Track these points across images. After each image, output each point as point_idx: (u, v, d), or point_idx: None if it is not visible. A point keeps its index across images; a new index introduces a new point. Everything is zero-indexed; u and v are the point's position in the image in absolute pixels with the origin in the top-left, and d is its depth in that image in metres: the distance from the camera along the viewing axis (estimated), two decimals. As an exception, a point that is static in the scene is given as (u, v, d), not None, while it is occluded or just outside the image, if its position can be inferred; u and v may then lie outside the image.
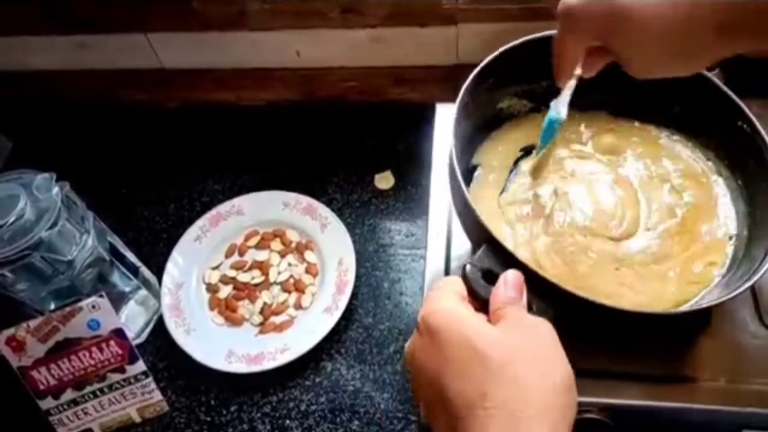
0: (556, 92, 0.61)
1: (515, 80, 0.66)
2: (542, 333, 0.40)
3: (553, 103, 0.59)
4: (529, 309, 0.45)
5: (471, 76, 0.60)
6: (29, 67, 0.93)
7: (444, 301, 0.42)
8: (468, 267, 0.47)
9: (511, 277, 0.44)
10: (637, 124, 0.67)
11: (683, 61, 0.47)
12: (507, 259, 0.48)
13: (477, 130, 0.66)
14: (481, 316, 0.42)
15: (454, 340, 0.39)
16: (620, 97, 0.67)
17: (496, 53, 0.61)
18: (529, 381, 0.37)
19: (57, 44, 0.88)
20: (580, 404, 0.55)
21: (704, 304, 0.54)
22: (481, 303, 0.45)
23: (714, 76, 0.59)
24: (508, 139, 0.67)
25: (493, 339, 0.39)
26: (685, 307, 0.56)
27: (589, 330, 0.57)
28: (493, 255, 0.49)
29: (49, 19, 0.85)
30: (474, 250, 0.52)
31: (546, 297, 0.47)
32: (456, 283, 0.45)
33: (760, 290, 0.60)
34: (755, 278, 0.50)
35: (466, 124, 0.63)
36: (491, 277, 0.47)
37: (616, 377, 0.56)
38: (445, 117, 0.73)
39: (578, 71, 0.55)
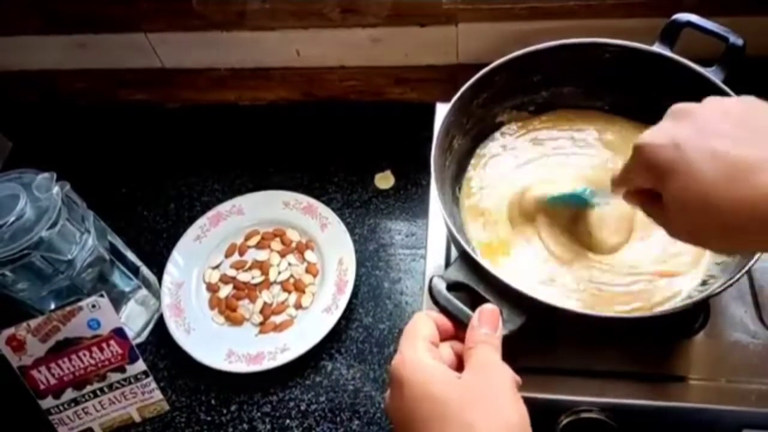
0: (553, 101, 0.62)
1: (511, 94, 0.67)
2: (501, 378, 0.42)
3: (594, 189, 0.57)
4: (500, 316, 0.48)
5: (457, 95, 0.61)
6: (29, 67, 0.93)
7: (410, 352, 0.44)
8: (434, 279, 0.51)
9: (486, 313, 0.46)
10: (637, 123, 0.67)
11: (730, 248, 0.45)
12: (479, 271, 0.51)
13: (475, 141, 0.68)
14: (444, 367, 0.44)
15: (417, 394, 0.41)
16: (620, 97, 0.67)
17: (479, 74, 0.63)
18: (484, 424, 0.39)
19: (57, 44, 0.88)
20: (580, 404, 0.56)
21: (696, 297, 0.54)
22: (444, 313, 0.49)
23: (713, 75, 0.59)
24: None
25: (453, 385, 0.42)
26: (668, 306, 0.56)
27: (588, 331, 0.58)
28: (465, 267, 0.52)
29: (49, 19, 0.85)
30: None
31: (516, 306, 0.50)
32: (425, 327, 0.46)
33: (760, 290, 0.60)
34: (748, 267, 0.50)
35: (462, 140, 0.65)
36: (462, 290, 0.51)
37: (616, 377, 0.57)
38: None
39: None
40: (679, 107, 0.43)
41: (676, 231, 0.43)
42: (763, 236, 0.38)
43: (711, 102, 0.42)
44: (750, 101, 0.42)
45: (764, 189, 0.37)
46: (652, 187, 0.43)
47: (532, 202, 0.62)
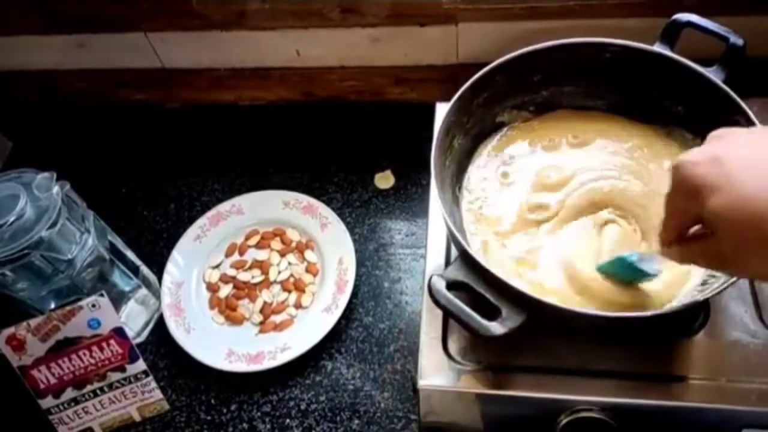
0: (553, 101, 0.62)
1: (511, 94, 0.67)
2: None
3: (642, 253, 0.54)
4: (499, 315, 0.49)
5: (457, 95, 0.62)
6: (29, 67, 0.93)
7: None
8: (434, 278, 0.52)
9: None
10: (637, 123, 0.67)
11: None
12: (479, 271, 0.52)
13: (475, 141, 0.68)
14: None
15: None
16: (620, 97, 0.67)
17: (479, 74, 0.63)
18: None
19: (57, 44, 0.88)
20: (580, 403, 0.56)
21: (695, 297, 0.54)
22: (445, 312, 0.50)
23: (714, 75, 0.59)
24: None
25: None
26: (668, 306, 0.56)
27: (588, 331, 0.58)
28: (465, 266, 0.52)
29: (48, 18, 0.85)
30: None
31: (516, 305, 0.50)
32: None
33: (760, 290, 0.60)
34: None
35: (463, 140, 0.65)
36: (462, 289, 0.51)
37: (617, 377, 0.56)
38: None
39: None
40: (718, 131, 0.42)
41: (734, 260, 0.39)
42: None
43: (752, 128, 0.42)
44: None
45: None
46: (689, 211, 0.40)
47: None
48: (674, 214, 0.44)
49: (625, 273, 0.55)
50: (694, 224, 0.43)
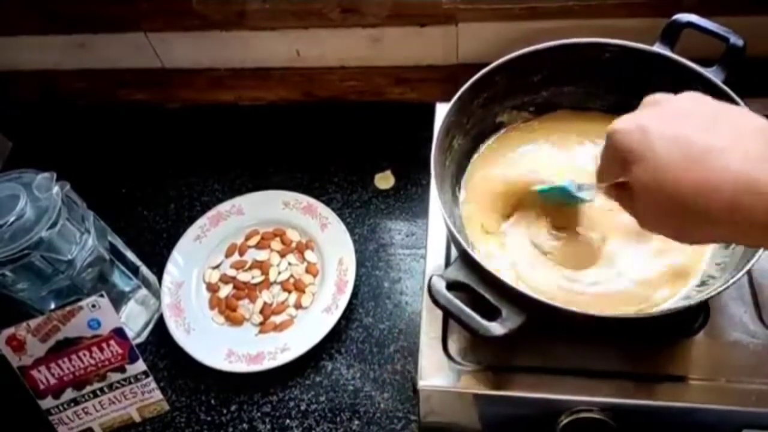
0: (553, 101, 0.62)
1: (511, 94, 0.67)
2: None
3: (578, 183, 0.58)
4: (499, 315, 0.49)
5: (457, 95, 0.62)
6: (29, 67, 0.93)
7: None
8: (434, 278, 0.52)
9: None
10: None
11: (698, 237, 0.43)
12: (479, 271, 0.52)
13: (475, 141, 0.68)
14: None
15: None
16: (620, 97, 0.67)
17: (479, 74, 0.63)
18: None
19: (57, 44, 0.88)
20: (580, 404, 0.56)
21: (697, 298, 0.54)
22: (445, 312, 0.50)
23: (714, 76, 0.59)
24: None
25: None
26: (666, 305, 0.56)
27: (588, 331, 0.58)
28: (465, 267, 0.52)
29: (48, 18, 0.85)
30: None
31: (516, 305, 0.50)
32: None
33: (760, 290, 0.60)
34: (748, 267, 0.50)
35: (463, 140, 0.65)
36: (462, 289, 0.51)
37: (616, 377, 0.57)
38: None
39: None
40: (652, 96, 0.45)
41: (643, 219, 0.44)
42: (726, 223, 0.38)
43: (685, 94, 0.44)
44: (723, 103, 0.42)
45: (725, 172, 0.37)
46: (621, 175, 0.44)
47: (522, 192, 0.62)
48: (605, 168, 0.47)
49: (563, 198, 0.60)
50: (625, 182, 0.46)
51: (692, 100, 0.43)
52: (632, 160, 0.41)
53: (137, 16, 0.84)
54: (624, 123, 0.43)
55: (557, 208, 0.62)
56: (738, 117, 0.41)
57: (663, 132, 0.40)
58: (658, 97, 0.44)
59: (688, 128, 0.40)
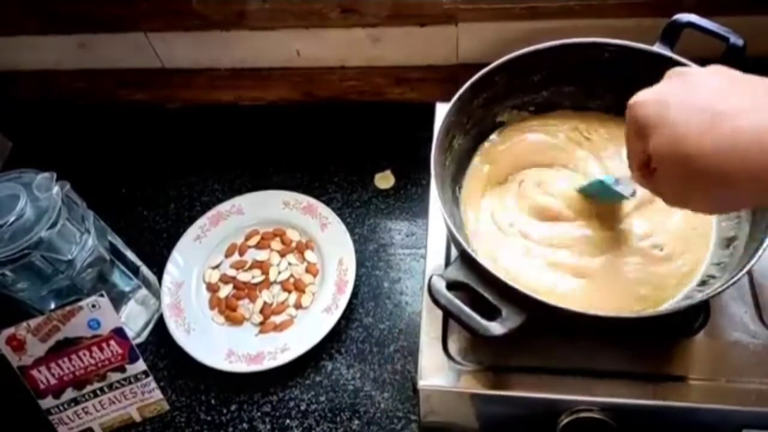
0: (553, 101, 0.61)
1: (511, 94, 0.67)
2: None
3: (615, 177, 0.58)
4: (499, 315, 0.49)
5: (457, 95, 0.62)
6: (29, 67, 0.93)
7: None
8: (433, 278, 0.52)
9: None
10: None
11: (720, 205, 0.43)
12: (479, 271, 0.52)
13: (475, 141, 0.68)
14: None
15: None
16: (620, 97, 0.67)
17: (479, 74, 0.63)
18: None
19: (57, 44, 0.88)
20: (580, 404, 0.56)
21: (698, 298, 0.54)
22: (445, 312, 0.50)
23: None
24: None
25: None
26: (667, 306, 0.56)
27: (588, 331, 0.58)
28: (465, 266, 0.52)
29: (48, 18, 0.85)
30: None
31: (516, 305, 0.50)
32: None
33: (760, 290, 0.60)
34: (748, 266, 0.50)
35: (463, 140, 0.65)
36: (462, 289, 0.51)
37: (616, 377, 0.57)
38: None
39: None
40: (675, 69, 0.45)
41: (667, 193, 0.44)
42: (747, 184, 0.38)
43: (711, 67, 0.43)
44: (749, 75, 0.42)
45: (740, 133, 0.37)
46: (643, 149, 0.43)
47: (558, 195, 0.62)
48: (631, 149, 0.46)
49: (603, 194, 0.59)
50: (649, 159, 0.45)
51: (716, 72, 0.42)
52: (650, 131, 0.41)
53: (137, 16, 0.84)
54: (643, 95, 0.43)
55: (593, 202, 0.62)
56: (759, 82, 0.40)
57: (681, 102, 0.40)
58: (681, 69, 0.44)
59: (706, 97, 0.40)
